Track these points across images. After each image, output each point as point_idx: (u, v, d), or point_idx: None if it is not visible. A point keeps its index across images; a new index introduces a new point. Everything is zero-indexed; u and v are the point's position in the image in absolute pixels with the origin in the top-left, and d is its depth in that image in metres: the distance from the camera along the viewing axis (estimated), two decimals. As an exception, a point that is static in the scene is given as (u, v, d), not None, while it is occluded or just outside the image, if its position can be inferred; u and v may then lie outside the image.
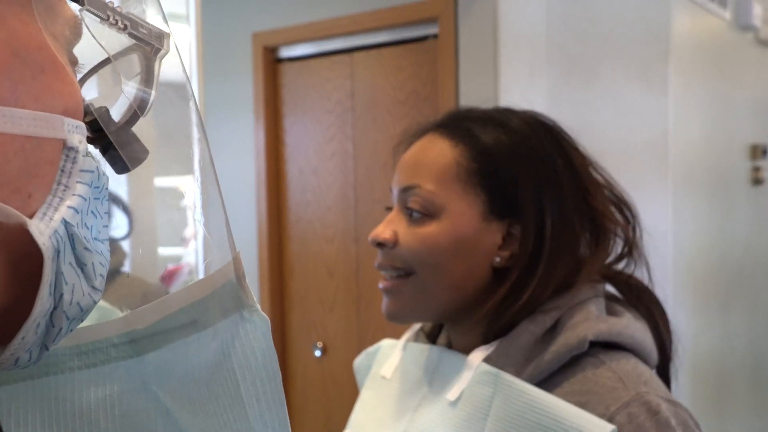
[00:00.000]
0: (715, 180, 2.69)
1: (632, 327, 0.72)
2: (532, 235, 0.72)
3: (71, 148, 0.34)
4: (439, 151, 0.75)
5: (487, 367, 0.71)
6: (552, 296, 0.72)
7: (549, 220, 0.72)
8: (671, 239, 2.29)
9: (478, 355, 0.72)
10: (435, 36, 2.39)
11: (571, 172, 0.74)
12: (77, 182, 0.34)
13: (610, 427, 0.61)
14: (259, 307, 0.36)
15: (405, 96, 2.51)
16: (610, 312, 0.75)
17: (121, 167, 0.38)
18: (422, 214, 0.74)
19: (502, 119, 0.75)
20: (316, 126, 2.70)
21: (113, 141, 0.38)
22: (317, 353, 2.68)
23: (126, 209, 1.42)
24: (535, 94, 2.21)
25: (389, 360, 0.84)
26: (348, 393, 2.60)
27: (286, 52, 2.75)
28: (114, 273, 1.34)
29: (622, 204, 0.78)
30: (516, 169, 0.73)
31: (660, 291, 2.22)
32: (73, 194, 0.33)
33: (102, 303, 1.17)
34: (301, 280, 2.74)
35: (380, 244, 0.77)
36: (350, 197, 2.64)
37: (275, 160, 2.79)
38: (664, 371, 0.78)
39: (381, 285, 0.78)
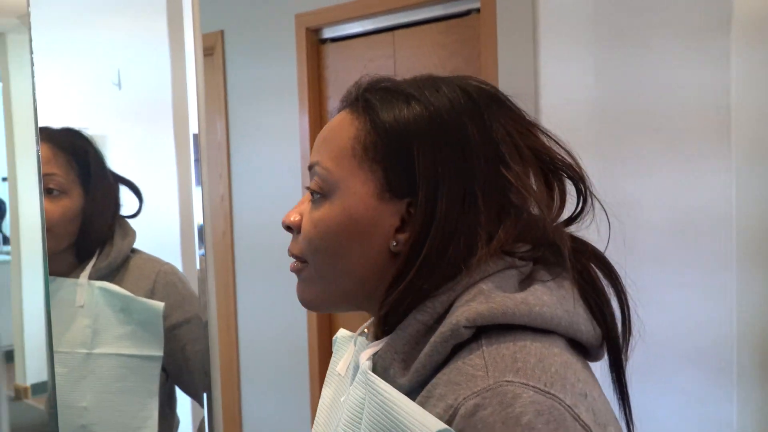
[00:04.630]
0: (788, 158, 2.49)
1: (536, 301, 0.61)
2: (421, 214, 0.64)
3: None
4: (340, 125, 0.70)
5: (365, 365, 0.64)
6: (446, 280, 0.64)
7: (444, 197, 0.64)
8: (735, 222, 2.12)
9: (367, 352, 0.66)
10: (477, 10, 2.28)
11: (486, 143, 0.66)
12: None
13: (437, 427, 0.53)
14: None
15: (448, 75, 2.41)
16: (527, 283, 0.64)
17: None
18: (319, 194, 0.69)
19: (409, 90, 0.68)
20: (359, 108, 2.64)
21: None
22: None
23: (136, 191, 1.40)
24: (579, 67, 2.08)
25: (345, 354, 0.78)
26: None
27: (328, 33, 2.69)
28: (127, 255, 1.31)
29: (576, 176, 0.69)
30: (412, 143, 0.65)
31: (722, 276, 2.04)
32: None
33: (121, 291, 1.13)
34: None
35: (289, 228, 0.72)
36: (394, 180, 2.57)
37: (319, 144, 2.75)
38: (611, 346, 0.66)
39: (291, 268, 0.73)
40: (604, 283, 0.67)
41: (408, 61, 2.50)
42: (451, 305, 0.62)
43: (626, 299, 0.68)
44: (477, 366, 0.57)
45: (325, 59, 2.72)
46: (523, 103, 0.73)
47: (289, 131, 2.78)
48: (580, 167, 0.69)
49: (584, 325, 0.63)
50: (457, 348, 0.61)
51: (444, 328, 0.60)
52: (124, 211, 1.38)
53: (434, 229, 0.63)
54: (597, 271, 0.66)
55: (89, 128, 2.76)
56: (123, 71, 2.69)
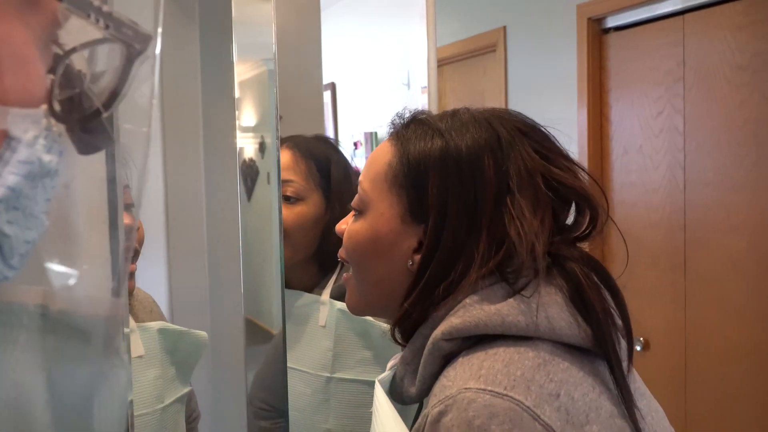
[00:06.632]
0: None
1: (509, 311, 0.66)
2: (429, 240, 0.72)
3: (12, 138, 0.36)
4: (382, 151, 0.79)
5: (383, 375, 0.75)
6: (445, 298, 0.71)
7: (449, 226, 0.71)
8: None
9: (389, 363, 0.77)
10: (784, -15, 1.99)
11: (499, 175, 0.71)
12: (11, 173, 0.36)
13: None
14: (127, 359, 0.38)
15: (747, 60, 2.14)
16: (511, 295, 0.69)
17: (81, 148, 0.41)
18: (356, 210, 0.79)
19: (437, 125, 0.75)
20: (643, 100, 2.47)
21: (77, 125, 0.40)
22: (637, 347, 2.47)
23: None
24: None
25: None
26: (672, 391, 2.35)
27: (612, 22, 2.55)
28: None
29: (589, 203, 0.74)
30: (428, 175, 0.73)
31: None
32: (3, 185, 0.36)
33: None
34: (622, 268, 2.55)
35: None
36: (679, 179, 2.35)
37: (599, 139, 2.63)
38: (602, 348, 0.67)
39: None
40: (605, 291, 0.71)
41: (698, 47, 2.27)
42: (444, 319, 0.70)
43: (623, 304, 0.71)
44: (450, 377, 0.65)
45: (607, 50, 2.59)
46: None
47: (568, 125, 2.70)
48: (590, 195, 0.74)
49: (568, 329, 0.67)
50: (448, 360, 0.68)
51: (429, 342, 0.69)
52: None
53: (438, 253, 0.71)
54: (591, 280, 0.70)
55: (382, 126, 2.97)
56: (411, 72, 2.84)
